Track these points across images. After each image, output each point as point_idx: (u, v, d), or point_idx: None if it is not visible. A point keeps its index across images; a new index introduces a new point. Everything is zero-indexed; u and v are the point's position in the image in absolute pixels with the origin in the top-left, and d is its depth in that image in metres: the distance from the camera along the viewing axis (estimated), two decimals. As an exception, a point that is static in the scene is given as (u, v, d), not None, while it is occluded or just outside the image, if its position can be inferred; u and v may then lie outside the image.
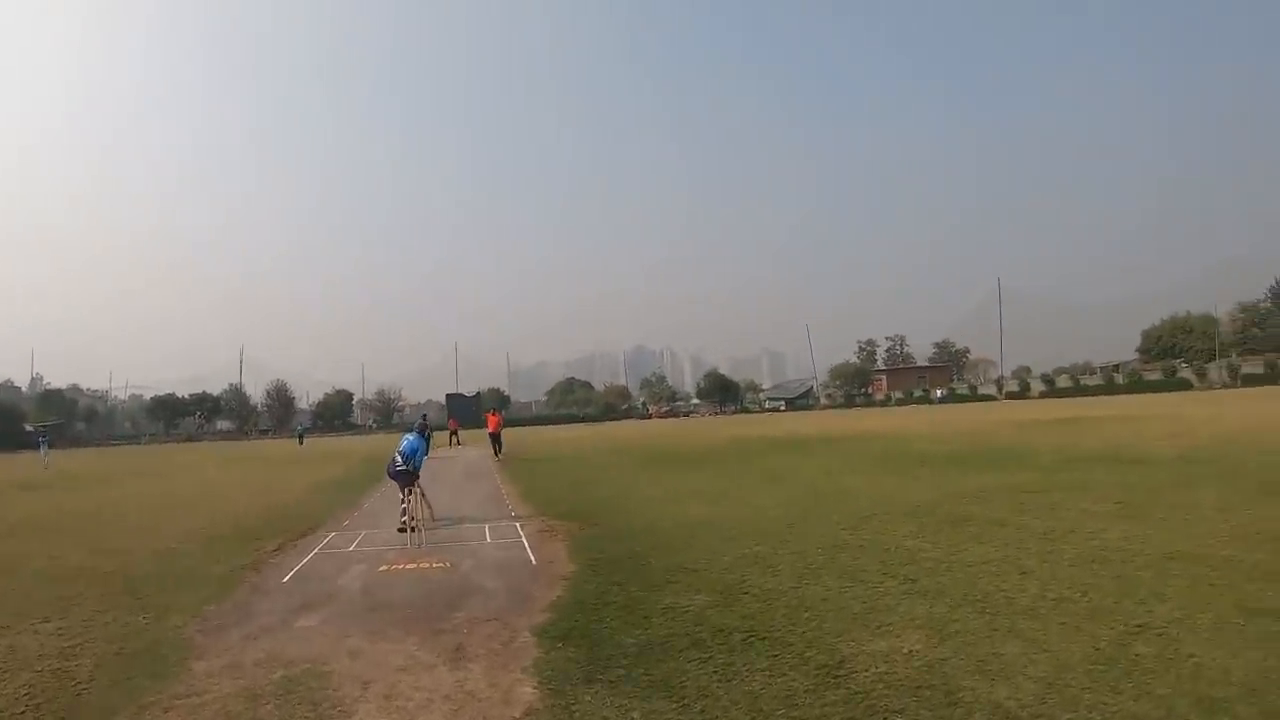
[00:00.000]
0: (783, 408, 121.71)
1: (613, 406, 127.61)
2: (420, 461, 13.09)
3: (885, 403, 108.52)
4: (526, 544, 10.67)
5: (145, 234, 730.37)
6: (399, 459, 12.79)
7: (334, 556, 10.51)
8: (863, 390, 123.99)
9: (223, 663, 6.13)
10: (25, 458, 56.59)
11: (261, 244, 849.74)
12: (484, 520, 13.16)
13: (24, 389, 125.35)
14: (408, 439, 13.27)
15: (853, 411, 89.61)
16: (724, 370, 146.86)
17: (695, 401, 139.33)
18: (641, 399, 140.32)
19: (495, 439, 30.49)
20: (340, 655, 6.20)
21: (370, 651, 6.26)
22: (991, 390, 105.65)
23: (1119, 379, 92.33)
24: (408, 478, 12.63)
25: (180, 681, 5.74)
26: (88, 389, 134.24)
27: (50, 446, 40.45)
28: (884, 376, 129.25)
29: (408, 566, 9.60)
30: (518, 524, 12.54)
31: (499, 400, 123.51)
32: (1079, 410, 42.68)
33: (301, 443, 62.13)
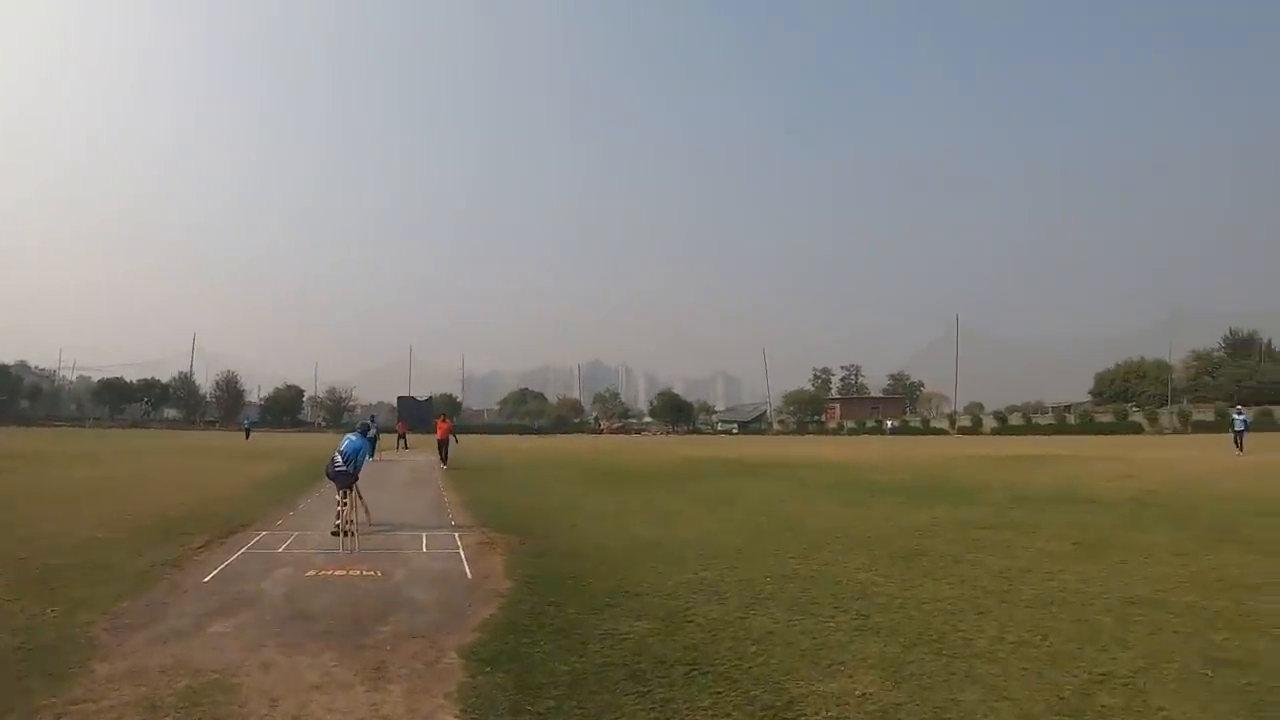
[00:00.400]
0: (735, 430, 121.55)
1: (565, 419, 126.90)
2: (361, 463, 12.61)
3: (838, 431, 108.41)
4: (464, 555, 10.26)
5: (114, 219, 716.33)
6: (339, 459, 12.27)
7: (261, 557, 10.03)
8: (815, 417, 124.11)
9: (126, 666, 5.74)
10: None
11: (232, 239, 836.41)
12: (422, 528, 12.70)
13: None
14: (349, 439, 12.79)
15: (805, 438, 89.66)
16: (679, 390, 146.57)
17: (647, 420, 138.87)
18: (594, 414, 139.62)
19: (443, 446, 29.09)
20: (252, 667, 5.77)
21: (284, 665, 5.83)
22: (944, 424, 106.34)
23: (1070, 419, 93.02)
24: (346, 479, 12.11)
25: (78, 685, 5.36)
26: (36, 367, 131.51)
27: None
28: (838, 405, 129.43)
29: (336, 573, 9.11)
30: (456, 534, 12.10)
31: (451, 406, 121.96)
32: (1031, 448, 42.78)
33: (248, 436, 60.12)
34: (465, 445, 34.03)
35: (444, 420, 30.75)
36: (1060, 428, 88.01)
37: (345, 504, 11.91)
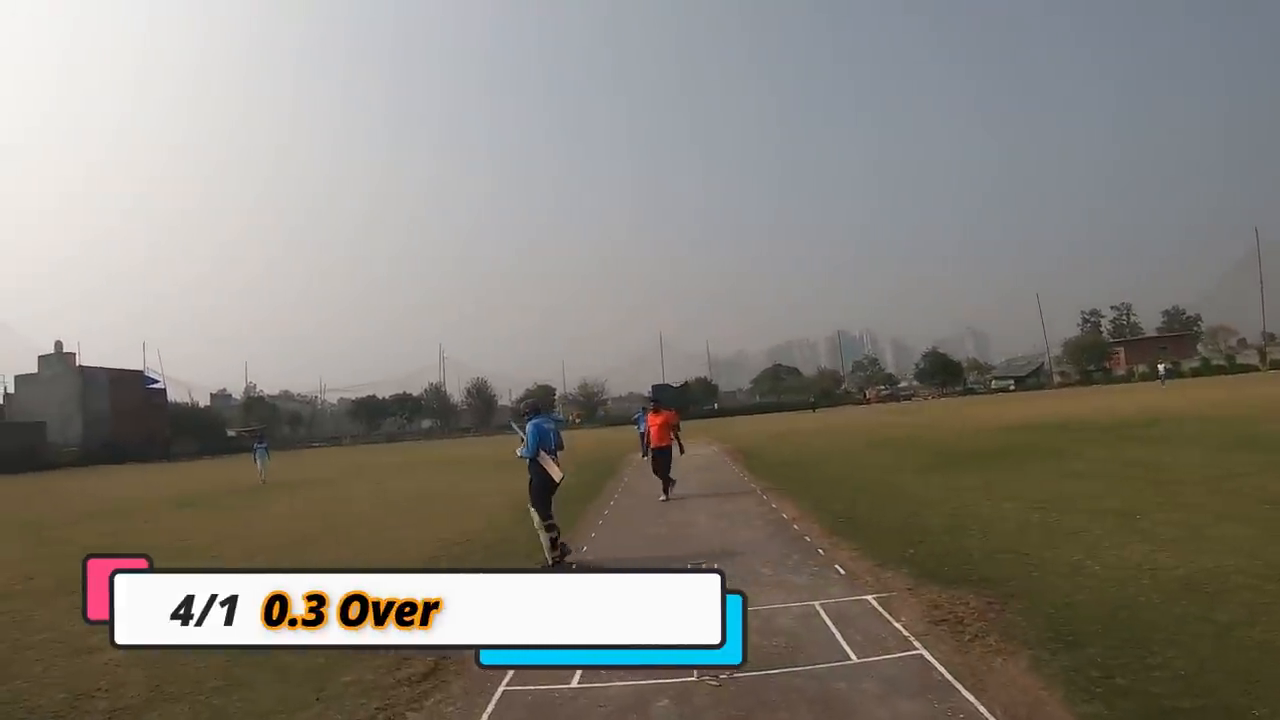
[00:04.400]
0: (1011, 387, 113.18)
1: (827, 392, 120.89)
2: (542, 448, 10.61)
3: (1128, 378, 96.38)
4: (933, 659, 5.87)
5: (347, 256, 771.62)
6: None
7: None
8: (1100, 365, 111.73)
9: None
10: (226, 463, 57.67)
11: (487, 251, 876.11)
12: (793, 582, 8.47)
13: (236, 397, 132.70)
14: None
15: (1096, 389, 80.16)
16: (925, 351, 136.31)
17: (913, 384, 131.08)
18: (852, 384, 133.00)
19: (662, 459, 17.04)
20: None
21: None
22: (1252, 359, 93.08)
23: None
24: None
25: None
26: (297, 394, 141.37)
27: (269, 455, 34.02)
28: (1121, 349, 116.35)
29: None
30: (873, 599, 7.54)
31: (706, 390, 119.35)
32: None
33: None
34: (741, 432, 29.96)
35: (661, 412, 17.48)
36: None
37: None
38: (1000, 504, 12.13)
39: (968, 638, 6.27)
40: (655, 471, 17.05)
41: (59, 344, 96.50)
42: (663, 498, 16.36)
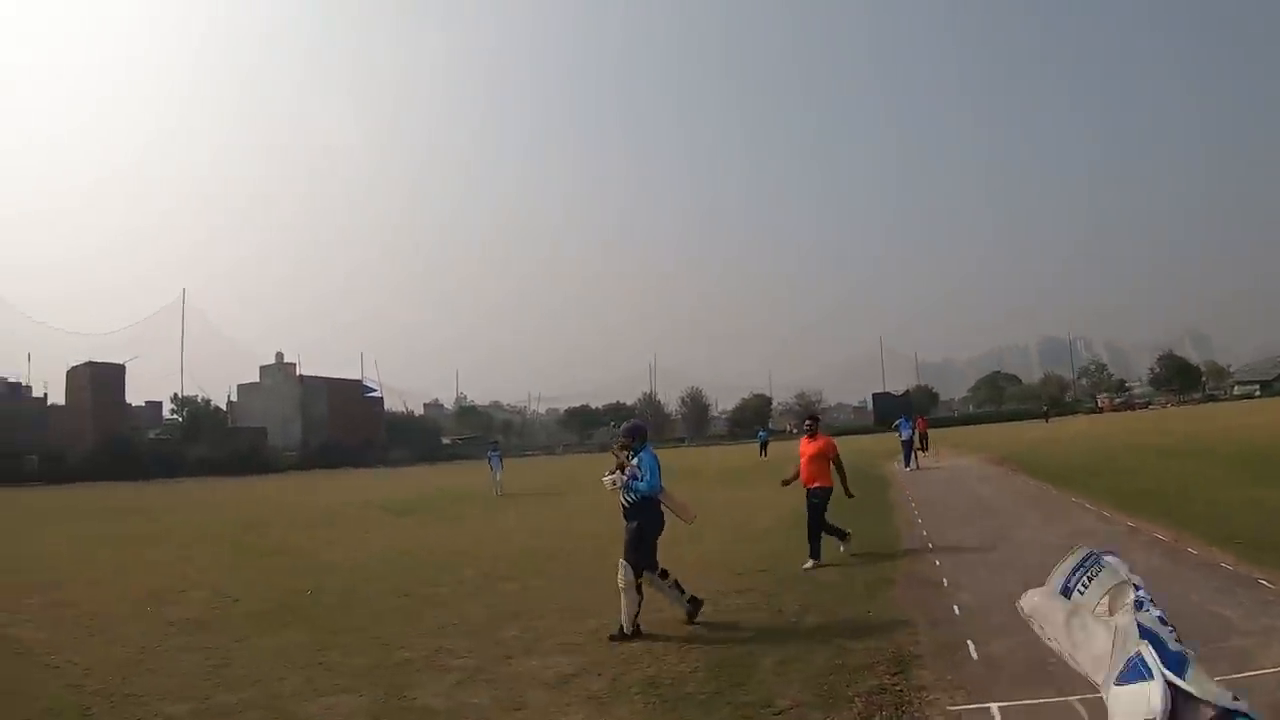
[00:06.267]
0: (1257, 393, 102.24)
1: (1055, 400, 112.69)
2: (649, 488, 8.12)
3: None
4: None
5: (545, 263, 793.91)
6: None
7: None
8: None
9: None
10: (443, 470, 57.71)
11: (662, 252, 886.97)
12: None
13: (448, 408, 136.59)
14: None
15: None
16: (1142, 356, 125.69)
17: (1144, 390, 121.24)
18: (1079, 392, 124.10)
19: (818, 515, 11.48)
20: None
21: None
22: None
23: None
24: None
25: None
26: (507, 405, 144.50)
27: (502, 464, 31.23)
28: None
29: None
30: None
31: (926, 399, 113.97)
32: None
33: (764, 452, 47.32)
34: (992, 440, 25.83)
35: (817, 438, 11.91)
36: None
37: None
38: None
39: None
40: (811, 526, 11.14)
41: (279, 355, 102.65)
42: (808, 565, 10.63)
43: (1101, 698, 0.91)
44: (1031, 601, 1.23)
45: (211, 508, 29.34)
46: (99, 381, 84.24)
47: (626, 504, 8.16)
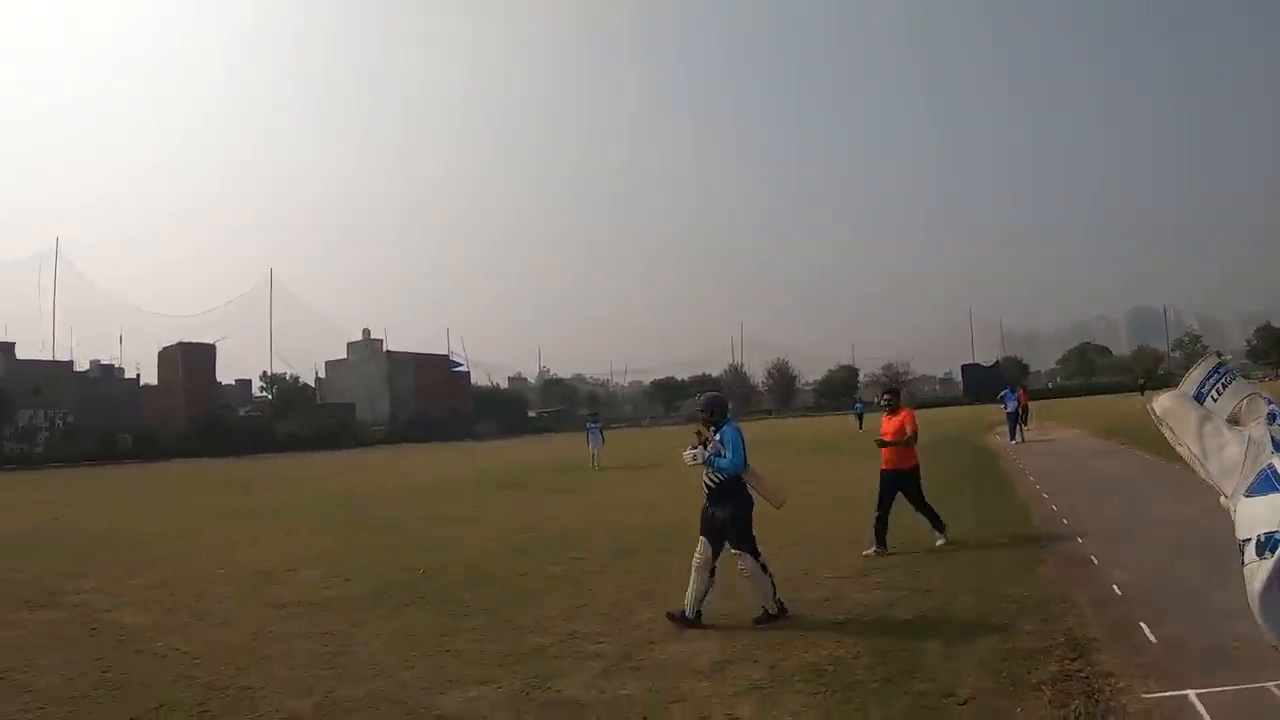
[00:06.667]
0: None
1: (1149, 373, 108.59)
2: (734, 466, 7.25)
3: None
4: None
5: (636, 230, 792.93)
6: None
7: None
8: None
9: None
10: (531, 442, 57.51)
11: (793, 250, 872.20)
12: None
13: (531, 381, 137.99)
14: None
15: None
16: (1235, 328, 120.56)
17: (1244, 363, 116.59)
18: (1174, 365, 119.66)
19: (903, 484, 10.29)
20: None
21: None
22: None
23: None
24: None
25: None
26: (590, 377, 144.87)
27: (602, 437, 29.51)
28: None
29: None
30: None
31: (1017, 370, 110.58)
32: None
33: (862, 424, 43.63)
34: (1094, 410, 24.22)
35: (897, 412, 10.50)
36: None
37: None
38: None
39: None
40: (879, 510, 9.86)
41: (366, 331, 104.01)
42: (870, 551, 9.53)
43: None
44: (1164, 404, 1.52)
45: (309, 482, 29.22)
46: (190, 361, 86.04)
47: (711, 484, 7.32)
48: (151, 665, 6.64)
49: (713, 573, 7.10)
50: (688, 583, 7.00)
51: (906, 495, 10.04)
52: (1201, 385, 1.58)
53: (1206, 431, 1.43)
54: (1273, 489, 1.57)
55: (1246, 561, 1.46)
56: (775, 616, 6.97)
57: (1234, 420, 1.55)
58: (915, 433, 10.15)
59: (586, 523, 14.14)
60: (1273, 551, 1.61)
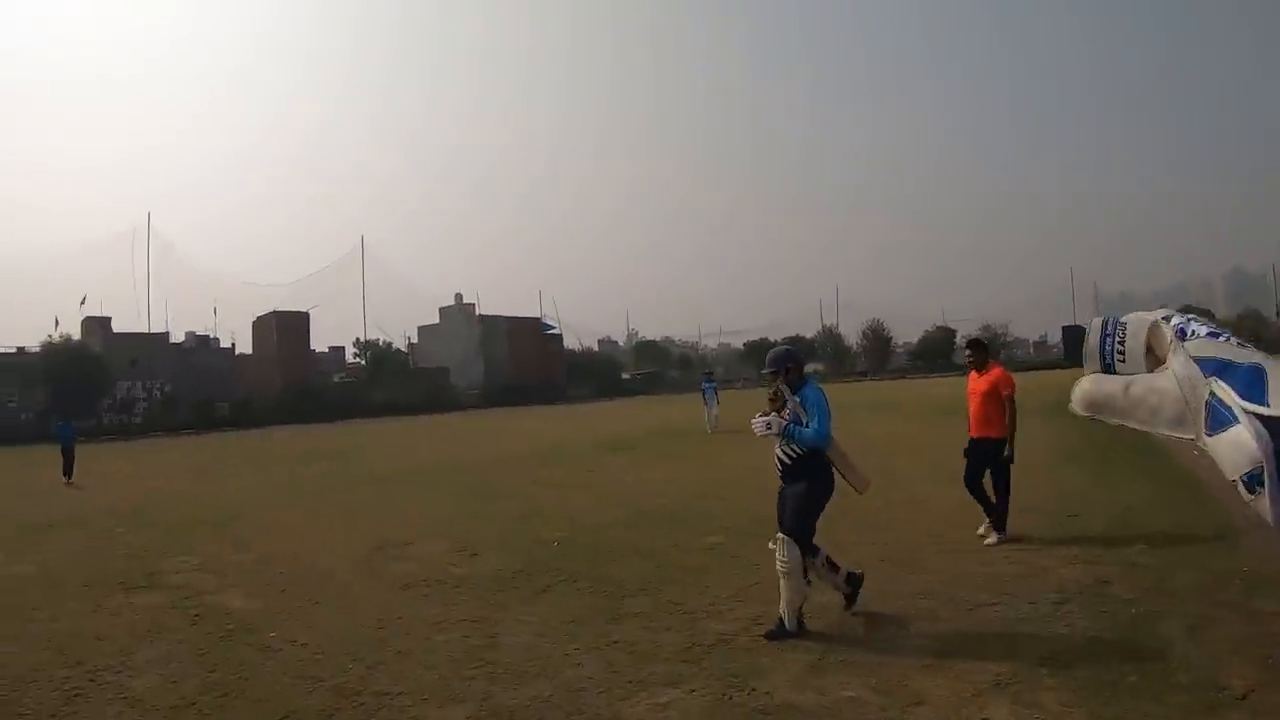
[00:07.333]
0: None
1: (1257, 336, 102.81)
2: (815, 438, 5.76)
3: None
4: None
5: (737, 185, 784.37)
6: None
7: None
8: None
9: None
10: (626, 405, 58.06)
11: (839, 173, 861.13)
12: None
13: (620, 343, 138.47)
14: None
15: None
16: None
17: None
18: (1276, 330, 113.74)
19: (994, 459, 9.05)
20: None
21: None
22: None
23: None
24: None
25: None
26: (679, 340, 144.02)
27: (718, 398, 27.89)
28: None
29: None
30: None
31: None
32: None
33: None
34: None
35: (988, 369, 8.75)
36: None
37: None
38: None
39: None
40: (970, 487, 8.54)
41: (459, 296, 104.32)
42: (990, 539, 8.13)
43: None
44: (1081, 401, 2.29)
45: (411, 449, 28.25)
46: (285, 330, 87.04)
47: (786, 458, 5.92)
48: (264, 662, 5.65)
49: (831, 563, 5.95)
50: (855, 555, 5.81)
51: (992, 471, 8.47)
52: (1104, 356, 2.04)
53: (1135, 396, 1.88)
54: (1227, 421, 1.97)
55: (1247, 500, 2.21)
56: (793, 635, 5.50)
57: (1151, 354, 1.91)
58: (1013, 394, 8.52)
59: (720, 488, 12.90)
60: (1262, 486, 2.27)
